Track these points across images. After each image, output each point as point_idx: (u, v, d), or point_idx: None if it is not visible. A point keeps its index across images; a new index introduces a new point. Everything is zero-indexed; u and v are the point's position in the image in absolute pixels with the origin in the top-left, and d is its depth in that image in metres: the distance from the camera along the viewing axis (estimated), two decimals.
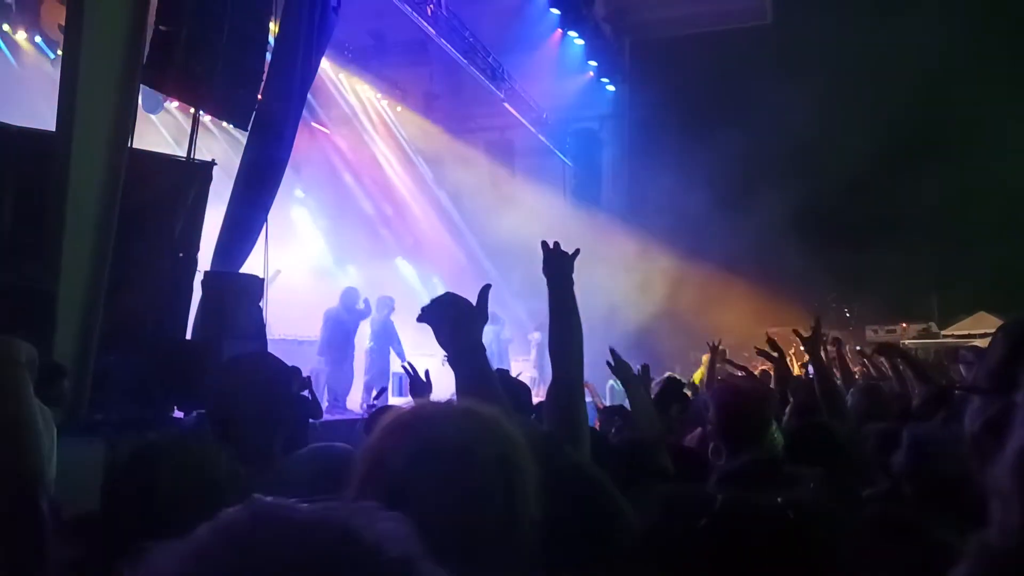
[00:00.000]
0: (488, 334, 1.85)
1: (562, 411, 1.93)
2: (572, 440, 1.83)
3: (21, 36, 11.69)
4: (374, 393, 9.29)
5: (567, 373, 1.97)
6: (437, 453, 1.08)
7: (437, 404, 1.21)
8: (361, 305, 9.83)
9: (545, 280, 2.07)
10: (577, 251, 2.10)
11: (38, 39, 11.67)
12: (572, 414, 1.93)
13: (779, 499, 1.01)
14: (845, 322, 17.59)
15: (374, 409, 4.97)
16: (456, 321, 1.70)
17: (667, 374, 5.37)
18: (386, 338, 10.20)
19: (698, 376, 7.82)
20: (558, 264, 2.06)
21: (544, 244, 2.09)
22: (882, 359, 5.49)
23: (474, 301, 1.76)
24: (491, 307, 1.81)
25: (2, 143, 5.16)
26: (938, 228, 16.27)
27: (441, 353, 1.73)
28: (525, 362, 13.49)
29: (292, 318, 9.72)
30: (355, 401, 9.63)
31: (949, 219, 16.15)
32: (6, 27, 11.56)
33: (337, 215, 14.75)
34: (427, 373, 3.45)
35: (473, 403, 1.21)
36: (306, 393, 5.66)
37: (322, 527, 0.60)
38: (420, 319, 1.75)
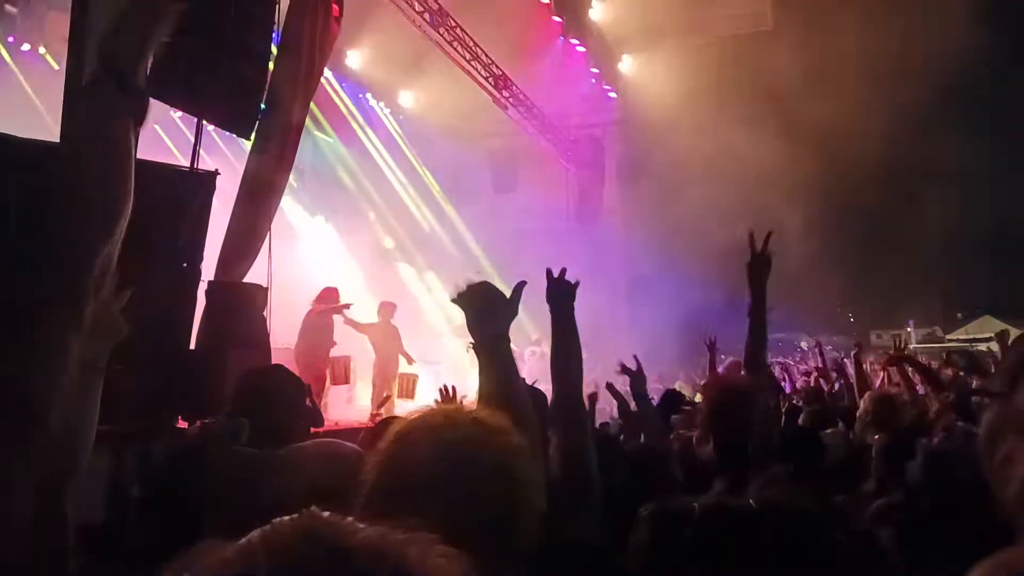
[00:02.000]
0: None
1: (567, 420, 2.04)
2: (578, 447, 1.97)
3: (26, 47, 11.76)
4: (385, 395, 9.27)
5: (569, 388, 2.09)
6: (441, 460, 1.11)
7: (446, 412, 1.22)
8: (342, 302, 9.54)
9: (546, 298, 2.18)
10: (577, 283, 2.20)
11: (42, 50, 11.74)
12: (576, 423, 2.05)
13: (752, 502, 1.03)
14: (850, 327, 17.56)
15: (379, 420, 4.97)
16: (487, 310, 1.75)
17: (677, 383, 5.44)
18: (392, 343, 10.17)
19: None
20: (561, 292, 2.16)
21: (549, 273, 2.17)
22: (893, 368, 5.50)
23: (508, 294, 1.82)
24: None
25: (7, 155, 5.17)
26: (943, 232, 16.24)
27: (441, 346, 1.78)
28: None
29: (295, 327, 9.70)
30: (357, 410, 9.60)
31: (955, 223, 16.14)
32: (11, 39, 11.63)
33: (340, 222, 14.78)
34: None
35: (482, 412, 1.23)
36: (308, 403, 5.66)
37: (376, 556, 0.58)
38: (454, 301, 1.80)
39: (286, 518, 0.60)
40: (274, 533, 0.59)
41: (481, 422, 1.19)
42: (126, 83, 1.22)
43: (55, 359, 1.16)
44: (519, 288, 1.82)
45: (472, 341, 1.75)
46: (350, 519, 0.62)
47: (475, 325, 1.75)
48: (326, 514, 0.61)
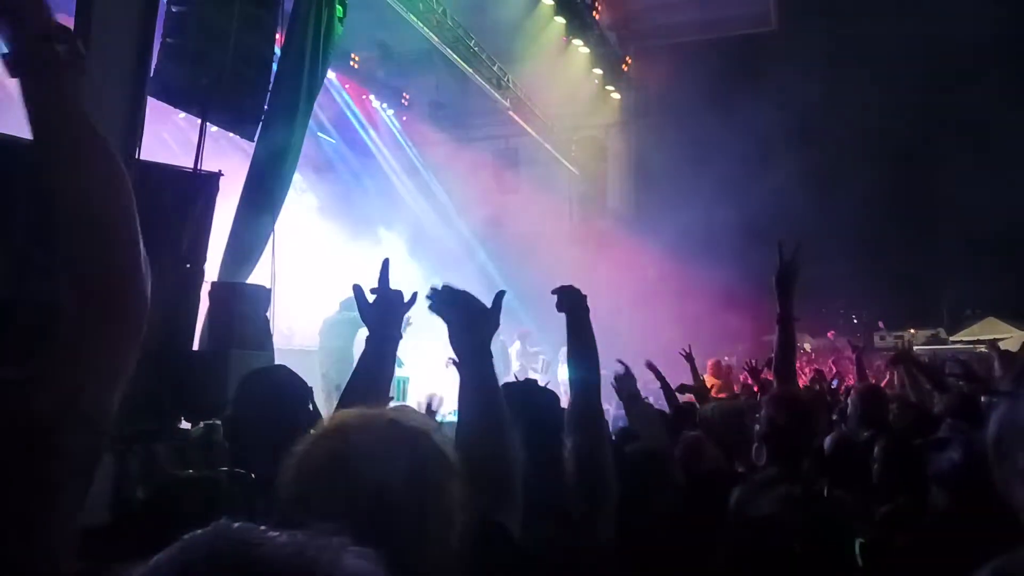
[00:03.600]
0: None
1: (585, 424, 2.05)
2: (595, 450, 1.99)
3: None
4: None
5: (587, 392, 2.10)
6: (349, 463, 1.08)
7: (363, 414, 1.19)
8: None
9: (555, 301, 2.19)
10: (585, 296, 2.20)
11: None
12: (594, 427, 2.06)
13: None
14: (854, 328, 17.51)
15: None
16: (468, 322, 1.69)
17: (687, 396, 5.34)
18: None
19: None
20: (573, 301, 2.17)
21: (557, 289, 2.18)
22: (898, 368, 5.49)
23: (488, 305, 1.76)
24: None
25: (12, 158, 5.17)
26: (947, 233, 16.19)
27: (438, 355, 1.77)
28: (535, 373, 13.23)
29: (298, 328, 9.71)
30: None
31: (959, 224, 16.09)
32: None
33: (342, 223, 14.77)
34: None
35: (402, 414, 1.20)
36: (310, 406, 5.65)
37: (286, 567, 0.57)
38: (432, 308, 1.74)
39: (198, 532, 0.59)
40: (181, 549, 0.58)
41: (396, 424, 1.16)
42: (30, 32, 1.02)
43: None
44: (499, 297, 1.76)
45: (452, 356, 1.69)
46: (260, 528, 0.60)
47: (457, 338, 1.68)
48: (235, 525, 0.60)
